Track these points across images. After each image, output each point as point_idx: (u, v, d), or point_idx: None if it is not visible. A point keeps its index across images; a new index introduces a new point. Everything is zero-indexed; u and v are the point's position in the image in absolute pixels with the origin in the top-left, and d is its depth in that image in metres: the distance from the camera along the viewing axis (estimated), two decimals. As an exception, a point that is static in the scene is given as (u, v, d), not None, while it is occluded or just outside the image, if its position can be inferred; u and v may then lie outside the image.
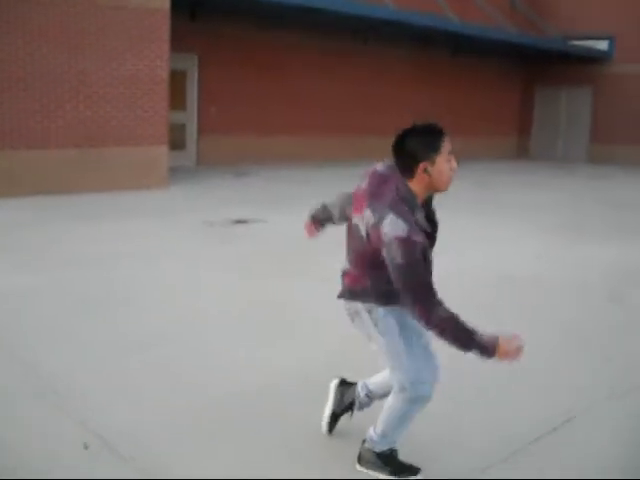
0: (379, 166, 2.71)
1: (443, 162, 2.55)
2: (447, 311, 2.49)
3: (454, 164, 2.60)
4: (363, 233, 2.60)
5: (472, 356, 2.54)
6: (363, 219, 2.59)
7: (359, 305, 2.74)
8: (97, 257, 6.38)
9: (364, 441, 2.91)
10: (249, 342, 4.41)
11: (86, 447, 2.98)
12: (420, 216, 2.56)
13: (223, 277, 5.94)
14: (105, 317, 4.77)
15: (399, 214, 2.48)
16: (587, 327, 5.04)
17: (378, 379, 3.10)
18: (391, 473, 2.85)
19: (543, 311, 5.37)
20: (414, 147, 2.53)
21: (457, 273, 6.18)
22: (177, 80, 12.89)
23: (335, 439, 3.14)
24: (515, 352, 2.52)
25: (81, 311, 4.87)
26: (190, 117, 14.31)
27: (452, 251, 6.93)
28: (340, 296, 2.83)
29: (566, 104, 20.65)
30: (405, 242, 2.44)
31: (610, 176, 16.43)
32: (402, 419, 2.79)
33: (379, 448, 2.85)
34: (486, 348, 2.49)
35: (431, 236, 2.64)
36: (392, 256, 2.46)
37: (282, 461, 2.97)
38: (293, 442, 3.13)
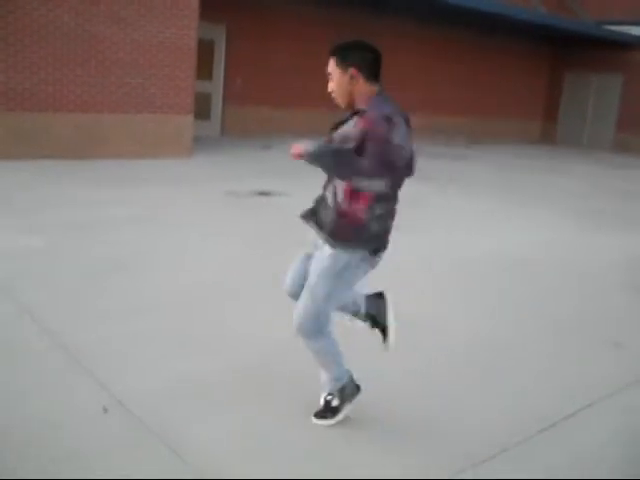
0: None
1: None
2: None
3: (329, 84, 3.01)
4: None
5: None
6: None
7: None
8: (112, 221, 6.49)
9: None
10: (256, 311, 4.49)
11: (105, 410, 3.06)
12: None
13: (239, 247, 6.02)
14: (115, 280, 4.86)
15: None
16: (598, 313, 5.08)
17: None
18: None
19: (558, 296, 5.41)
20: None
21: (475, 258, 6.23)
22: (204, 50, 12.91)
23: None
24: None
25: (92, 273, 4.97)
26: (216, 87, 14.33)
27: (465, 234, 6.97)
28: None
29: (595, 90, 20.36)
30: None
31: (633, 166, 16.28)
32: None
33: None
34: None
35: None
36: None
37: (291, 429, 3.06)
38: (300, 410, 3.22)
